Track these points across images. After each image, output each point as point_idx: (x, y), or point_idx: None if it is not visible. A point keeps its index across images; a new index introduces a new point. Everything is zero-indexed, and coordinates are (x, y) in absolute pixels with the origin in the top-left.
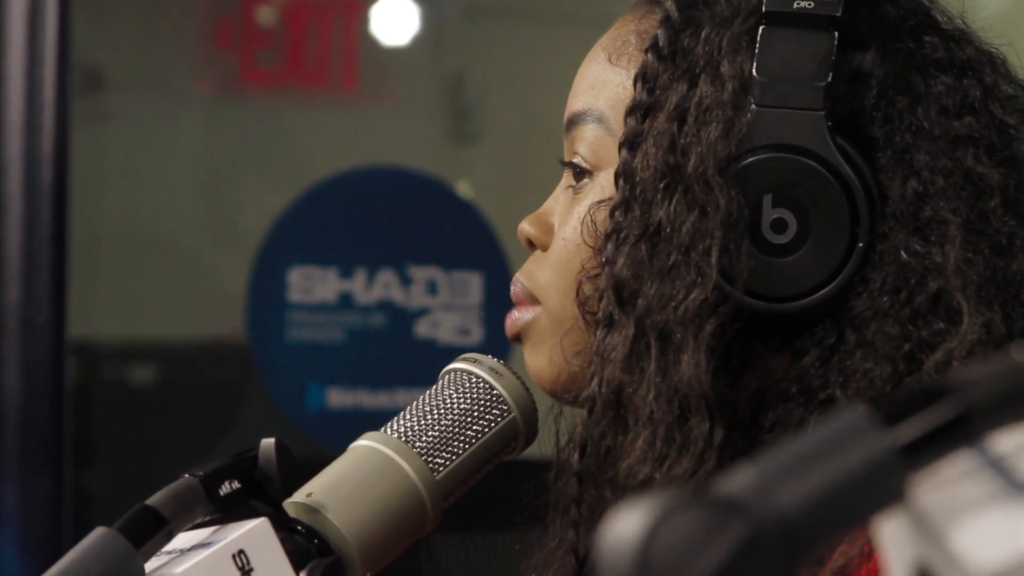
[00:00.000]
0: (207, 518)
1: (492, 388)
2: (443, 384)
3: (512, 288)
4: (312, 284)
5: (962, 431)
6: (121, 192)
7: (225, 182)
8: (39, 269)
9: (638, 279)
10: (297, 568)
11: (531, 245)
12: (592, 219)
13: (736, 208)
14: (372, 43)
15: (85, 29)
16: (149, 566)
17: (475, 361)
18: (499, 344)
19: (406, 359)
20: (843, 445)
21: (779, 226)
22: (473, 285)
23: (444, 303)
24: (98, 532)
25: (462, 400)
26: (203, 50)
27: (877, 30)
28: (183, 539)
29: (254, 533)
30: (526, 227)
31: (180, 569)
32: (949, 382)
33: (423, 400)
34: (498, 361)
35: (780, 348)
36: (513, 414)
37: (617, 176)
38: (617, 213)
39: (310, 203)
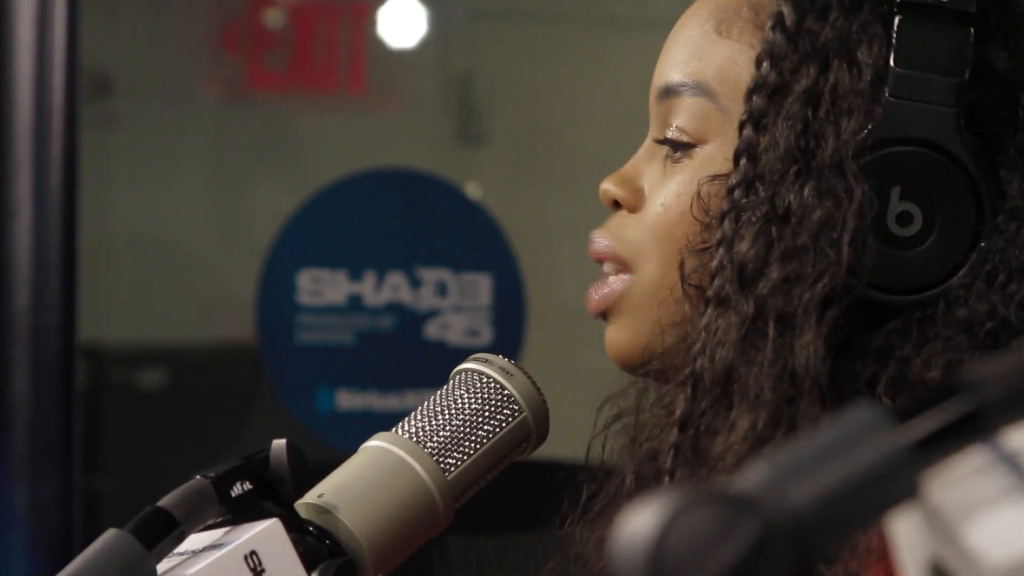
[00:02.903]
0: (219, 519)
1: (503, 388)
2: (454, 385)
3: (594, 245)
4: (321, 287)
5: (976, 427)
6: (130, 196)
7: (233, 185)
8: (48, 273)
9: (762, 261)
10: (309, 569)
11: (615, 206)
12: (703, 193)
13: (868, 199)
14: (380, 45)
15: (93, 34)
16: (161, 567)
17: (486, 361)
18: (509, 345)
19: (416, 361)
20: (856, 441)
21: (904, 219)
22: (483, 286)
23: (454, 304)
24: (110, 534)
25: (473, 400)
26: (210, 54)
27: (1006, 26)
28: (195, 540)
29: (266, 534)
30: (612, 188)
31: (192, 570)
32: (962, 378)
33: (434, 401)
34: (509, 361)
35: (901, 338)
36: (524, 414)
37: (738, 154)
38: (737, 192)
39: (319, 206)
